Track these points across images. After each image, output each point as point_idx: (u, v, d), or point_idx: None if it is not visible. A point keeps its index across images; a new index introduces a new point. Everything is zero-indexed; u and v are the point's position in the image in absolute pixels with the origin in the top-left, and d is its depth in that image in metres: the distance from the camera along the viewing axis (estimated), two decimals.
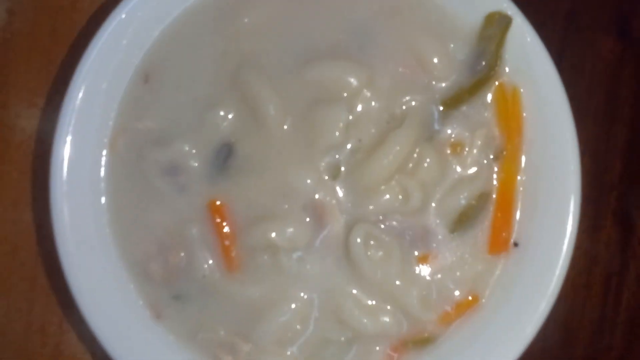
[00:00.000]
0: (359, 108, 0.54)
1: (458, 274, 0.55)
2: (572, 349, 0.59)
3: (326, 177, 0.54)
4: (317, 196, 0.53)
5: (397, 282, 0.54)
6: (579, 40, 0.59)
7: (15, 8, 0.60)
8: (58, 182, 0.54)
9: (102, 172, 0.55)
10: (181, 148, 0.54)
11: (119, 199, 0.55)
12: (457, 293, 0.54)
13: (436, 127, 0.55)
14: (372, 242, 0.53)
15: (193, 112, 0.54)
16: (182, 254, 0.54)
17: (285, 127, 0.54)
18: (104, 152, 0.55)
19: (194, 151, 0.54)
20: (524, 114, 0.55)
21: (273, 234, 0.53)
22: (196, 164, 0.54)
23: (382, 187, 0.53)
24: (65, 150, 0.54)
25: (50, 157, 0.54)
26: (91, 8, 0.62)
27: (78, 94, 0.54)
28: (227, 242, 0.54)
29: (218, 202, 0.54)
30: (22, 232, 0.59)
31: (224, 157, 0.54)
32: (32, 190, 0.57)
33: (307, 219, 0.53)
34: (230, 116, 0.54)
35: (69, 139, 0.54)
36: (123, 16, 0.54)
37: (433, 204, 0.54)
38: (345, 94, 0.54)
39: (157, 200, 0.54)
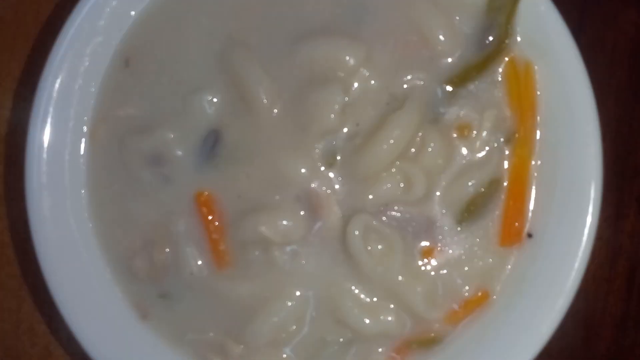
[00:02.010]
0: (356, 89, 0.51)
1: (466, 268, 0.52)
2: (594, 348, 0.56)
3: (321, 165, 0.51)
4: (311, 186, 0.51)
5: (400, 278, 0.51)
6: (598, 13, 0.56)
7: None
8: (34, 174, 0.52)
9: (82, 163, 0.54)
10: (165, 136, 0.52)
11: (100, 191, 0.54)
12: (465, 289, 0.52)
13: (441, 108, 0.52)
14: (371, 235, 0.51)
15: (177, 97, 0.52)
16: (168, 250, 0.52)
17: (276, 111, 0.51)
18: (84, 142, 0.54)
19: (178, 139, 0.52)
20: (538, 92, 0.51)
21: (264, 227, 0.50)
22: (181, 153, 0.52)
23: (383, 175, 0.51)
24: (41, 141, 0.53)
25: (26, 148, 0.52)
26: None
27: (54, 81, 0.53)
28: (215, 237, 0.52)
29: (205, 194, 0.52)
30: (8, 228, 0.58)
31: (211, 144, 0.52)
32: (17, 185, 0.54)
33: (301, 211, 0.51)
34: (216, 100, 0.52)
35: (45, 128, 0.53)
36: None
37: (438, 193, 0.52)
38: (341, 74, 0.51)
39: (141, 192, 0.53)
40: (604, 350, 0.56)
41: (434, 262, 0.52)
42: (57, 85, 0.52)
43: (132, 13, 0.53)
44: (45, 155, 0.52)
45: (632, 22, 0.56)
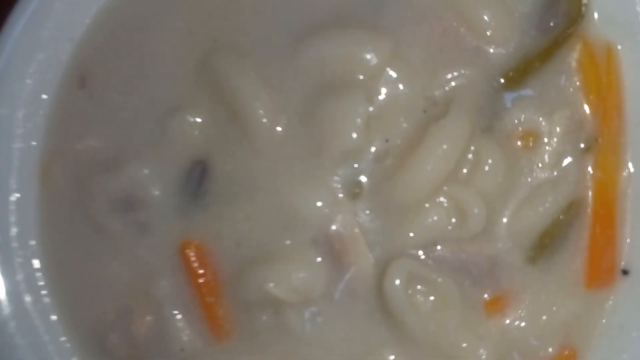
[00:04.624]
0: (383, 95, 0.46)
1: (544, 318, 0.46)
2: None
3: (343, 197, 0.46)
4: (332, 225, 0.46)
5: (459, 339, 0.45)
6: None
7: None
8: None
9: (33, 214, 0.48)
10: (138, 172, 0.47)
11: (58, 250, 0.48)
12: (546, 347, 0.46)
13: (497, 112, 0.46)
14: (417, 285, 0.45)
15: (150, 122, 0.47)
16: (149, 319, 0.47)
17: (280, 130, 0.46)
18: (33, 186, 0.47)
19: (155, 175, 0.47)
20: (626, 83, 0.46)
21: (272, 284, 0.45)
22: (159, 193, 0.47)
23: (426, 205, 0.45)
24: None
25: None
26: None
27: None
28: (209, 299, 0.46)
29: (193, 244, 0.46)
30: None
31: (197, 179, 0.47)
32: None
33: (319, 259, 0.45)
34: (201, 122, 0.47)
35: None
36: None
37: (502, 224, 0.46)
38: (361, 77, 0.46)
39: (111, 246, 0.47)
40: None
41: (502, 315, 0.46)
42: None
43: (84, 19, 0.48)
44: None
45: None
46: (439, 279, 0.45)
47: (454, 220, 0.45)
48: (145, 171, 0.47)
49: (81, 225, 0.47)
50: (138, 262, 0.47)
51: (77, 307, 0.47)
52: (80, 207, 0.47)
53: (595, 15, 0.46)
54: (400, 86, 0.46)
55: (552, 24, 0.46)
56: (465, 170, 0.45)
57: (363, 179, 0.46)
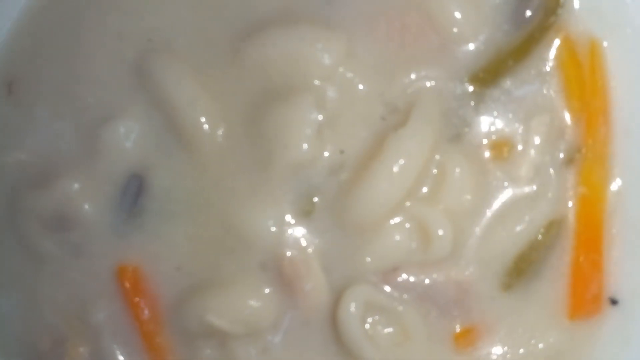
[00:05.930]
0: (336, 100, 0.44)
1: (522, 353, 0.44)
2: None
3: (294, 215, 0.44)
4: (282, 247, 0.44)
5: None
6: None
7: None
8: None
9: None
10: (69, 187, 0.45)
11: None
12: None
13: (465, 118, 0.44)
14: (376, 315, 0.43)
15: (81, 131, 0.46)
16: (82, 350, 0.45)
17: (222, 140, 0.44)
18: None
19: (87, 190, 0.46)
20: (613, 84, 0.44)
21: (213, 315, 0.43)
22: (92, 210, 0.45)
23: (386, 225, 0.43)
24: None
25: None
26: None
27: None
28: (149, 327, 0.45)
29: (130, 267, 0.45)
30: None
31: (133, 195, 0.45)
32: None
33: (268, 285, 0.44)
34: (136, 131, 0.45)
35: None
36: None
37: (472, 246, 0.44)
38: (312, 80, 0.44)
39: (43, 270, 0.46)
40: None
41: (472, 348, 0.44)
42: None
43: (8, 18, 0.46)
44: None
45: None
46: (400, 308, 0.43)
47: (416, 242, 0.43)
48: (77, 186, 0.45)
49: (11, 246, 0.46)
50: (73, 287, 0.45)
51: (7, 335, 0.46)
52: (9, 226, 0.46)
53: (577, 5, 0.44)
54: (356, 90, 0.44)
55: (527, 15, 0.43)
56: (427, 187, 0.44)
57: (316, 195, 0.44)
